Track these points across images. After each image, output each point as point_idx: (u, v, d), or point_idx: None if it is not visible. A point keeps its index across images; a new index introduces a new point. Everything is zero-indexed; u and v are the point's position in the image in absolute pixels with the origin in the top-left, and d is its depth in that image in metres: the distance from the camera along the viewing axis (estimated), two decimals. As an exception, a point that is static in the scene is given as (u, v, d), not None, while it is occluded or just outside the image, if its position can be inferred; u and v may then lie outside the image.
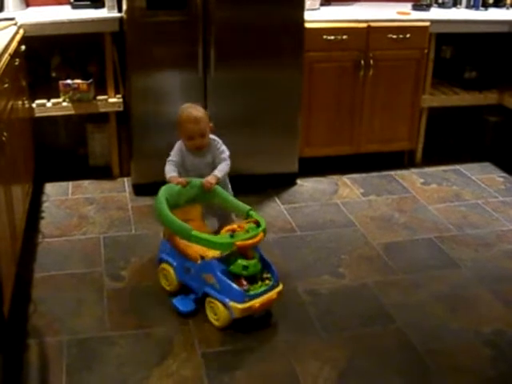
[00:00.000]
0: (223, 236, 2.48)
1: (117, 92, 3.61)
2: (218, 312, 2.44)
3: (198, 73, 3.35)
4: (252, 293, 2.40)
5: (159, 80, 3.35)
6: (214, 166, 2.83)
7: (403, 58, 3.81)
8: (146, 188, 3.54)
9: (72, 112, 3.55)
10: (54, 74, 3.65)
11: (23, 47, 3.24)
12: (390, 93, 3.85)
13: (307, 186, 3.78)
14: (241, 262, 2.41)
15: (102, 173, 3.78)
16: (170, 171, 2.78)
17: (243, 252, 2.42)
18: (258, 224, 2.51)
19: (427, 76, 3.91)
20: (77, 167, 3.85)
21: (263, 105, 3.52)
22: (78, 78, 3.53)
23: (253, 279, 2.44)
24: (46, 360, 2.28)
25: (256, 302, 2.39)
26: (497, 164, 4.15)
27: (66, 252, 2.98)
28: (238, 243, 2.40)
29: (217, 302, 2.43)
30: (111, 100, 3.59)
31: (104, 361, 2.29)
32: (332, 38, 3.61)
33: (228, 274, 2.42)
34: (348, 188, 3.77)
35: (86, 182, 3.71)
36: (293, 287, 2.74)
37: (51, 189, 3.62)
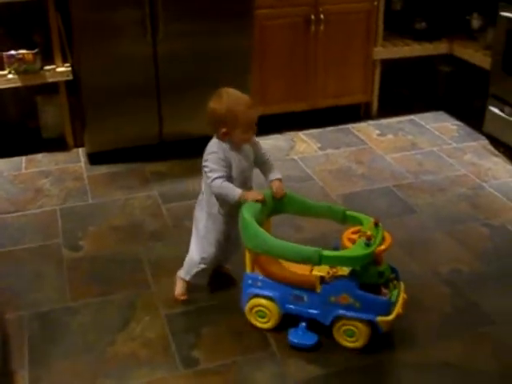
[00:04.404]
0: (358, 247, 2.08)
1: (65, 61, 3.52)
2: (358, 333, 2.16)
3: (147, 35, 3.27)
4: (393, 299, 2.15)
5: (107, 45, 3.27)
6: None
7: (354, 11, 3.79)
8: (101, 156, 3.50)
9: (19, 84, 3.45)
10: (-4, 46, 3.54)
11: (-39, 19, 3.14)
12: (343, 47, 3.84)
13: (264, 143, 3.72)
14: (377, 269, 2.12)
15: (56, 145, 3.70)
16: (234, 188, 2.20)
17: (374, 258, 2.12)
18: (376, 224, 2.18)
19: (378, 28, 3.91)
20: (29, 141, 3.76)
21: (214, 64, 3.46)
22: (22, 49, 3.43)
23: (386, 284, 2.18)
24: (7, 336, 2.25)
25: (398, 308, 2.14)
26: (450, 112, 4.20)
27: (23, 226, 2.94)
28: (378, 250, 2.09)
29: (356, 323, 2.14)
30: (59, 69, 3.50)
31: (67, 331, 2.27)
32: (281, -7, 3.57)
33: (362, 288, 2.14)
34: (305, 143, 3.77)
35: (39, 155, 3.63)
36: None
37: (3, 164, 3.53)
